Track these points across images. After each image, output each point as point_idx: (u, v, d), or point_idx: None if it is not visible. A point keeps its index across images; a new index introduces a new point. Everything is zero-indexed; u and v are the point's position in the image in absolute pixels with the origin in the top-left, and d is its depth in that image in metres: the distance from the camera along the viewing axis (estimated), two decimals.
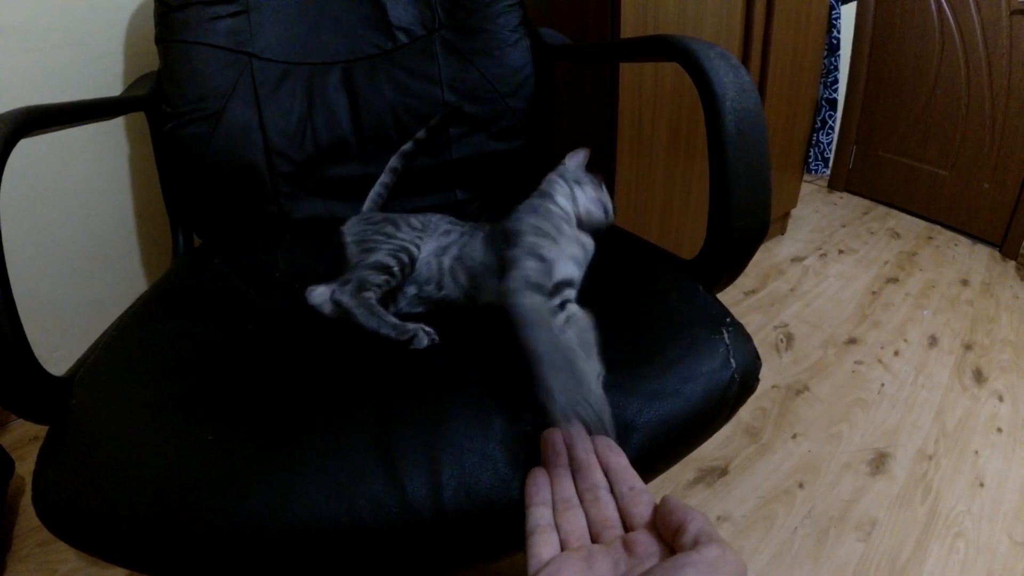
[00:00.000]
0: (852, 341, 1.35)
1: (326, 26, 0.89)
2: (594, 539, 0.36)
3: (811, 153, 1.83)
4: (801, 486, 0.96)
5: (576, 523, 0.37)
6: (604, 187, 0.71)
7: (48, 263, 1.05)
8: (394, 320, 0.55)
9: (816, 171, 1.90)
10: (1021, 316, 1.45)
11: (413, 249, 0.64)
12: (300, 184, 0.86)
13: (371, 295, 0.57)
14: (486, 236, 0.64)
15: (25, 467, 0.98)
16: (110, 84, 1.01)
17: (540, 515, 0.38)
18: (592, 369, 0.46)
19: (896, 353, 1.31)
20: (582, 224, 0.67)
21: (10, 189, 0.93)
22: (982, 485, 0.96)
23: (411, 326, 0.54)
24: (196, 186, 0.84)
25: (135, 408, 0.47)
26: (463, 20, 0.89)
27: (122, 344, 0.56)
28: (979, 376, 1.23)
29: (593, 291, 0.59)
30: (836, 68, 1.76)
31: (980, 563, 0.83)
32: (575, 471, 0.40)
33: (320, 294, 0.61)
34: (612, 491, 0.39)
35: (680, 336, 0.52)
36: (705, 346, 0.51)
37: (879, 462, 1.01)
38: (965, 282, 1.61)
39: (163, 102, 0.82)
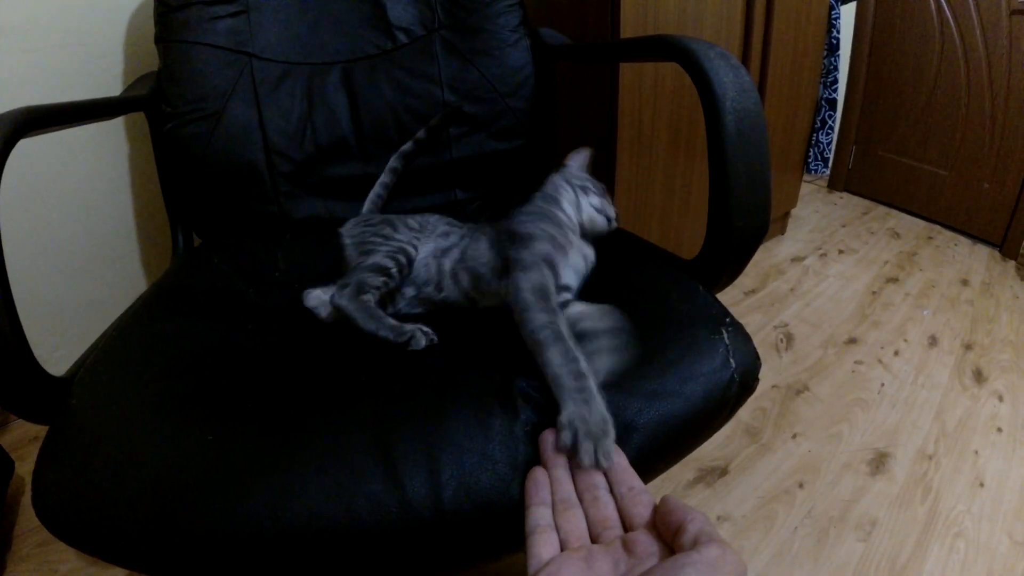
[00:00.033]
0: (852, 341, 1.35)
1: (326, 26, 0.89)
2: (594, 539, 0.36)
3: (811, 153, 1.83)
4: (801, 486, 0.96)
5: (576, 523, 0.37)
6: (608, 194, 0.71)
7: (48, 263, 1.05)
8: (392, 322, 0.55)
9: (816, 171, 1.90)
10: (1021, 316, 1.45)
11: (411, 250, 0.64)
12: (300, 184, 0.86)
13: (369, 298, 0.57)
14: (492, 238, 0.63)
15: (25, 467, 0.98)
16: (110, 84, 1.01)
17: (540, 515, 0.38)
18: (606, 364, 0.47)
19: (896, 353, 1.31)
20: (584, 231, 0.67)
21: (10, 189, 0.94)
22: (982, 485, 0.96)
23: (409, 327, 0.54)
24: (196, 186, 0.84)
25: (135, 408, 0.47)
26: (463, 20, 0.89)
27: (122, 344, 0.56)
28: (979, 376, 1.23)
29: (593, 291, 0.59)
30: (836, 68, 1.76)
31: (980, 563, 0.83)
32: (575, 472, 0.40)
33: (316, 297, 0.61)
34: (612, 491, 0.39)
35: (680, 336, 0.52)
36: (705, 346, 0.51)
37: (879, 462, 1.01)
38: (965, 282, 1.61)
39: (163, 102, 0.82)
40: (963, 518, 0.90)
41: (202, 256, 0.77)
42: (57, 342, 1.09)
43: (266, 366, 0.53)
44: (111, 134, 1.05)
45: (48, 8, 0.92)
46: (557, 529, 0.37)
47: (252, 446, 0.43)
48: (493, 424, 0.44)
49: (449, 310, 0.62)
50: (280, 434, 0.44)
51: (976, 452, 1.03)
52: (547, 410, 0.43)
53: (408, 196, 0.89)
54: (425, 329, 0.55)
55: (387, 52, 0.90)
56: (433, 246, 0.66)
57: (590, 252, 0.63)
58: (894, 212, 2.09)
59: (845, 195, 2.25)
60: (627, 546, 0.34)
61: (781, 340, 1.36)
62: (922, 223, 2.00)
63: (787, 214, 1.88)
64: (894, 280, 1.63)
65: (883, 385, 1.21)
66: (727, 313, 0.56)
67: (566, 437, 0.40)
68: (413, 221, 0.71)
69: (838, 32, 1.69)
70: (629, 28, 1.06)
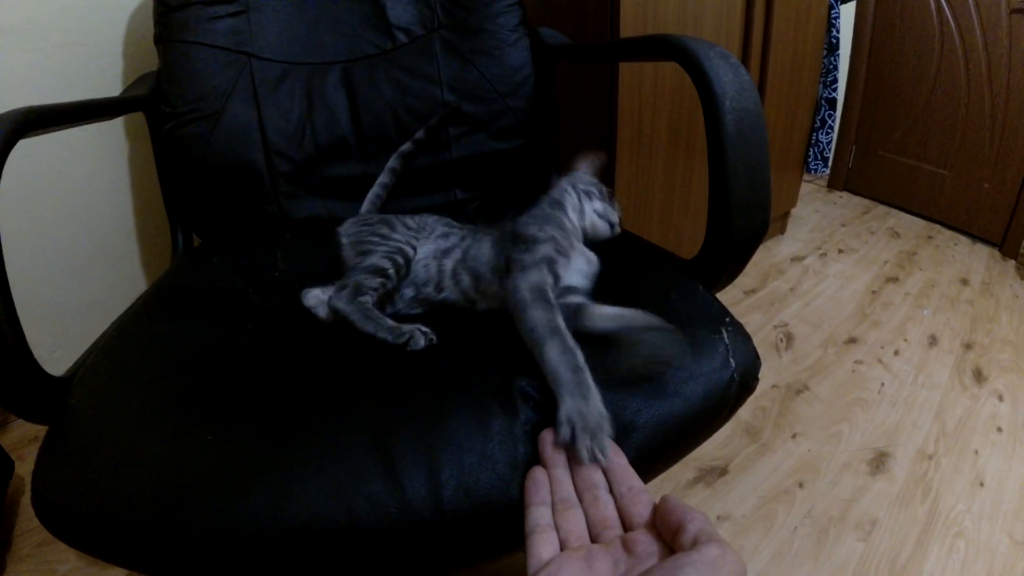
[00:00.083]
0: (852, 341, 1.35)
1: (325, 26, 0.89)
2: (593, 539, 0.36)
3: (811, 152, 1.83)
4: (801, 486, 0.96)
5: (576, 523, 0.37)
6: (613, 201, 0.70)
7: (47, 263, 1.05)
8: (390, 323, 0.55)
9: (816, 170, 1.90)
10: (1021, 315, 1.45)
11: (409, 250, 0.64)
12: (300, 184, 0.86)
13: (367, 299, 0.57)
14: (494, 239, 0.64)
15: (25, 467, 0.98)
16: (109, 84, 1.01)
17: (540, 515, 0.38)
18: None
19: (896, 353, 1.31)
20: (586, 237, 0.67)
21: (10, 189, 0.93)
22: (982, 485, 0.96)
23: (407, 328, 0.54)
24: (195, 186, 0.84)
25: (134, 408, 0.47)
26: (463, 20, 0.89)
27: (121, 344, 0.56)
28: (979, 376, 1.23)
29: (593, 290, 0.59)
30: (836, 67, 1.76)
31: (980, 563, 0.83)
32: (574, 471, 0.40)
33: (315, 296, 0.61)
34: (611, 491, 0.39)
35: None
36: (705, 346, 0.51)
37: (879, 462, 1.01)
38: (965, 281, 1.61)
39: (162, 102, 0.82)
40: (963, 518, 0.90)
41: (202, 256, 0.77)
42: (57, 342, 1.09)
43: (266, 366, 0.53)
44: (111, 134, 1.05)
45: (48, 8, 0.92)
46: (557, 529, 0.37)
47: (252, 446, 0.43)
48: (492, 424, 0.44)
49: (448, 310, 0.62)
50: (280, 434, 0.44)
51: (976, 452, 1.03)
52: (546, 409, 0.43)
53: (408, 196, 0.89)
54: (424, 329, 0.55)
55: (387, 52, 0.90)
56: (433, 247, 0.66)
57: (593, 257, 0.63)
58: (894, 212, 2.09)
59: (845, 194, 2.25)
60: (627, 546, 0.34)
61: (781, 340, 1.36)
62: (922, 222, 2.00)
63: (787, 214, 1.88)
64: (894, 280, 1.63)
65: (883, 385, 1.21)
66: (727, 313, 0.56)
67: (564, 432, 0.40)
68: (411, 221, 0.71)
69: (838, 31, 1.69)
70: (629, 28, 1.05)
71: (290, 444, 0.43)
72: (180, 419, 0.45)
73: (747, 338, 0.54)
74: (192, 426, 0.44)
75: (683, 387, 0.48)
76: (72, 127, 0.67)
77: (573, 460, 0.41)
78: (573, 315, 0.52)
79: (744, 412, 1.12)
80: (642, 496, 0.38)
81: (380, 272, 0.60)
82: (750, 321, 1.42)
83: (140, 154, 1.08)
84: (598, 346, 0.49)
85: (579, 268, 0.60)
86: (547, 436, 0.42)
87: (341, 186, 0.87)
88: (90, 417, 0.46)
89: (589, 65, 1.15)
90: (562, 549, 0.36)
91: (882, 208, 2.12)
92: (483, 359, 0.51)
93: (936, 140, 1.92)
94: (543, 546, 0.35)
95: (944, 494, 0.94)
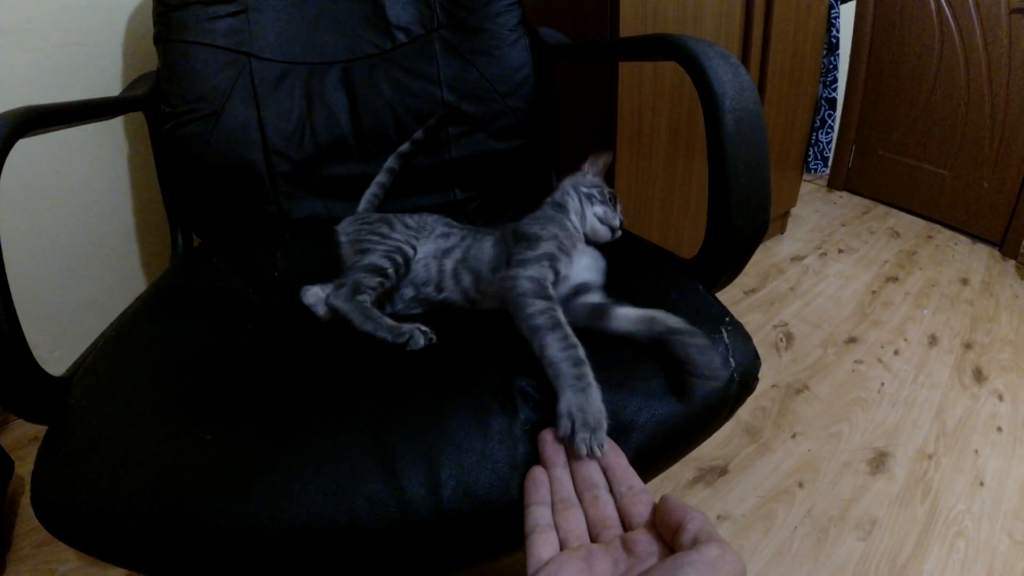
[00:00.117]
0: (852, 340, 1.35)
1: (325, 26, 0.89)
2: (593, 539, 0.36)
3: (811, 152, 1.83)
4: (801, 485, 0.96)
5: (575, 523, 0.37)
6: (617, 203, 0.70)
7: (47, 263, 1.05)
8: (390, 322, 0.55)
9: (816, 170, 1.90)
10: (1021, 315, 1.45)
11: (408, 250, 0.64)
12: (299, 183, 0.86)
13: (366, 298, 0.57)
14: (496, 239, 0.64)
15: (25, 467, 0.98)
16: (109, 84, 1.01)
17: (539, 514, 0.38)
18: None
19: (896, 352, 1.31)
20: (587, 239, 0.67)
21: (9, 189, 0.93)
22: (982, 484, 0.96)
23: (407, 327, 0.54)
24: (195, 186, 0.84)
25: (134, 408, 0.47)
26: (462, 20, 0.89)
27: (121, 344, 0.56)
28: (979, 375, 1.23)
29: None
30: (835, 67, 1.75)
31: (980, 562, 0.83)
32: (574, 471, 0.40)
33: (314, 294, 0.61)
34: (611, 490, 0.39)
35: None
36: None
37: (879, 461, 1.01)
38: (965, 281, 1.61)
39: (162, 102, 0.82)
40: (963, 517, 0.90)
41: (201, 256, 0.77)
42: (56, 342, 1.09)
43: (265, 366, 0.53)
44: (110, 134, 1.05)
45: (48, 8, 0.92)
46: (556, 528, 0.37)
47: (251, 446, 0.43)
48: (492, 423, 0.44)
49: (448, 310, 0.62)
50: (279, 434, 0.44)
51: (976, 451, 1.03)
52: (546, 409, 0.43)
53: (407, 195, 0.89)
54: (423, 329, 0.55)
55: (386, 52, 0.90)
56: (433, 247, 0.66)
57: (598, 253, 0.63)
58: (894, 211, 2.09)
59: (845, 194, 2.25)
60: (627, 545, 0.34)
61: (781, 339, 1.36)
62: (922, 222, 2.00)
63: (787, 213, 1.88)
64: (894, 279, 1.63)
65: (883, 384, 1.21)
66: (727, 312, 0.56)
67: (564, 426, 0.40)
68: (411, 220, 0.71)
69: (838, 31, 1.69)
70: (628, 27, 1.05)
71: (290, 444, 0.43)
72: (180, 419, 0.45)
73: (747, 338, 0.54)
74: (192, 426, 0.44)
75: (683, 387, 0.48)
76: (71, 127, 0.67)
77: (571, 455, 0.41)
78: (593, 314, 0.52)
79: (744, 412, 1.12)
80: (642, 496, 0.38)
81: (379, 271, 0.60)
82: (750, 321, 1.42)
83: (139, 154, 1.08)
84: (614, 348, 0.49)
85: (588, 264, 0.60)
86: (547, 436, 0.42)
87: (341, 186, 0.87)
88: (90, 417, 0.46)
89: (589, 65, 1.15)
90: (562, 549, 0.36)
91: (882, 208, 2.12)
92: (483, 359, 0.51)
93: (936, 140, 1.92)
94: (543, 546, 0.35)
95: (944, 494, 0.94)
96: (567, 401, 0.41)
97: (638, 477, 0.39)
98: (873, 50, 2.02)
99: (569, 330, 0.46)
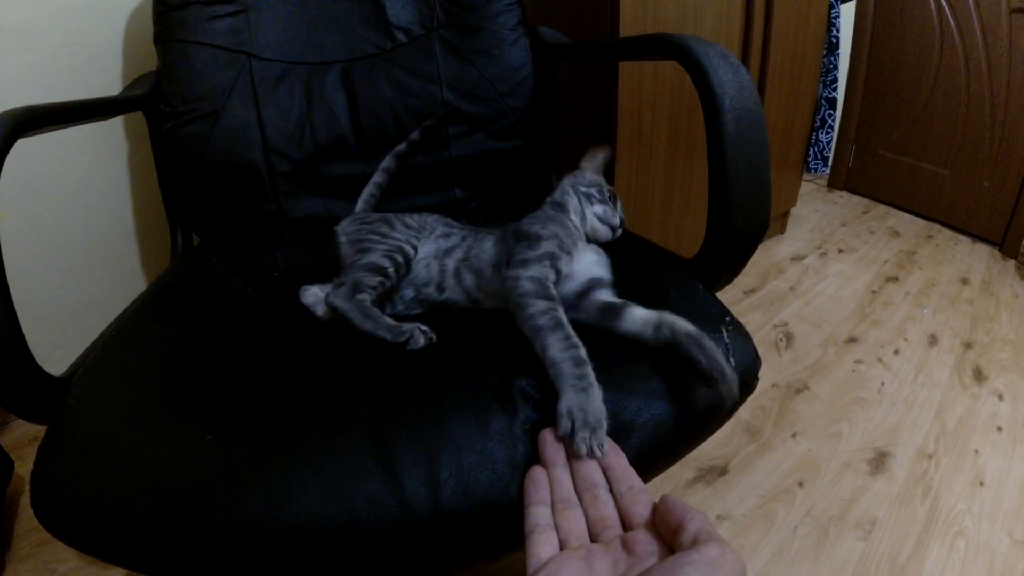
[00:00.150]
0: (852, 340, 1.35)
1: (325, 25, 0.89)
2: (593, 539, 0.36)
3: (811, 152, 1.83)
4: (801, 485, 0.96)
5: (575, 522, 0.37)
6: (617, 201, 0.70)
7: (47, 263, 1.05)
8: (390, 322, 0.55)
9: (816, 170, 1.90)
10: (1021, 315, 1.45)
11: (408, 249, 0.64)
12: (299, 183, 0.86)
13: (366, 297, 0.57)
14: (497, 238, 0.64)
15: (25, 467, 0.98)
16: (109, 84, 1.01)
17: (539, 514, 0.38)
18: None
19: (896, 352, 1.31)
20: (588, 240, 0.67)
21: (8, 189, 0.93)
22: (982, 484, 0.96)
23: (407, 327, 0.54)
24: (195, 185, 0.84)
25: (133, 408, 0.47)
26: (462, 19, 0.89)
27: (120, 344, 0.56)
28: (979, 375, 1.23)
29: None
30: (835, 67, 1.75)
31: (980, 562, 0.83)
32: (574, 470, 0.40)
33: (313, 294, 0.61)
34: (611, 490, 0.39)
35: None
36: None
37: (879, 461, 1.01)
38: (965, 281, 1.61)
39: (162, 101, 0.82)
40: (963, 517, 0.90)
41: (201, 256, 0.77)
42: (56, 342, 1.09)
43: (265, 366, 0.53)
44: (110, 134, 1.05)
45: (48, 8, 0.92)
46: (556, 528, 0.37)
47: (251, 446, 0.43)
48: (492, 423, 0.44)
49: (448, 309, 0.62)
50: (279, 434, 0.44)
51: (976, 451, 1.03)
52: (546, 409, 0.43)
53: (407, 195, 0.89)
54: (423, 328, 0.55)
55: (386, 51, 0.90)
56: (434, 247, 0.66)
57: (600, 250, 0.63)
58: (894, 211, 2.09)
59: (845, 194, 2.24)
60: (626, 545, 0.34)
61: (781, 339, 1.36)
62: (922, 222, 2.00)
63: (787, 213, 1.87)
64: (894, 279, 1.63)
65: (883, 384, 1.21)
66: (727, 312, 0.56)
67: (564, 425, 0.41)
68: (411, 220, 0.70)
69: (838, 31, 1.69)
70: (628, 27, 1.05)
71: (289, 444, 0.43)
72: (179, 419, 0.45)
73: (747, 337, 0.54)
74: (191, 426, 0.44)
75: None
76: (70, 127, 0.67)
77: (571, 454, 0.41)
78: (605, 313, 0.52)
79: (744, 411, 1.12)
80: (642, 496, 0.37)
81: (379, 270, 0.60)
82: (750, 320, 1.42)
83: (139, 154, 1.08)
84: (614, 347, 0.49)
85: (594, 260, 0.60)
86: (547, 435, 0.42)
87: (340, 185, 0.87)
88: (89, 417, 0.46)
89: (589, 65, 1.15)
90: (562, 549, 0.36)
91: (882, 207, 2.12)
92: (483, 359, 0.51)
93: (936, 139, 1.92)
94: (543, 546, 0.35)
95: (944, 493, 0.94)
96: (568, 401, 0.41)
97: (638, 477, 0.39)
98: (873, 50, 2.02)
99: (571, 330, 0.46)
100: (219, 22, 0.82)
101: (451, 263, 0.63)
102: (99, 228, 1.09)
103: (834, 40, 1.70)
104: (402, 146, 0.85)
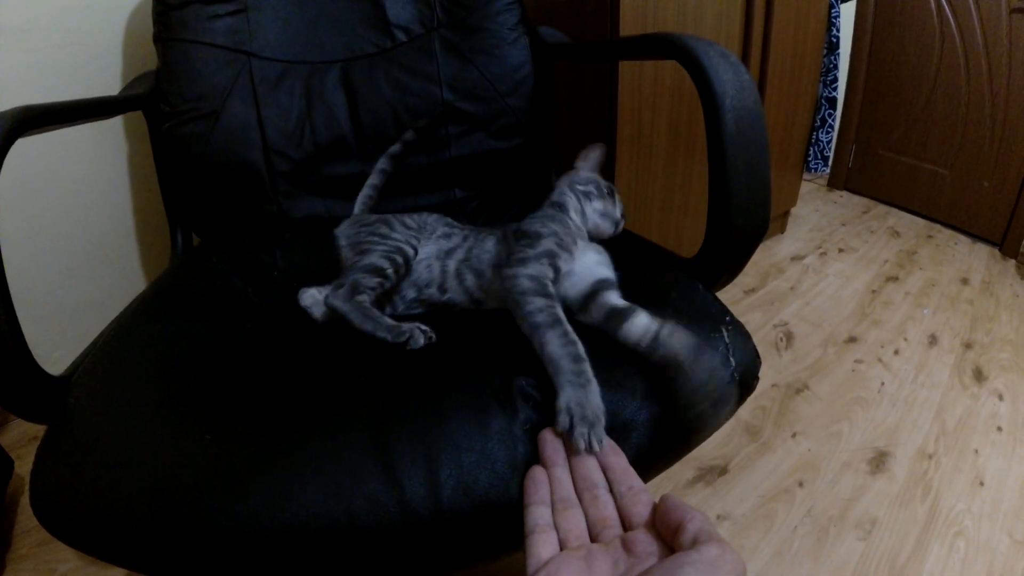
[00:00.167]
0: (852, 340, 1.35)
1: (325, 25, 0.89)
2: (593, 539, 0.36)
3: (811, 151, 1.83)
4: (801, 485, 0.96)
5: (575, 522, 0.37)
6: (615, 195, 0.70)
7: (46, 262, 1.05)
8: (389, 322, 0.55)
9: (816, 170, 1.90)
10: (1021, 315, 1.45)
11: (408, 250, 0.64)
12: (299, 183, 0.86)
13: (365, 298, 0.57)
14: (498, 238, 0.64)
15: (25, 467, 0.98)
16: (109, 83, 1.01)
17: (539, 514, 0.38)
18: None
19: (896, 352, 1.31)
20: (591, 237, 0.67)
21: (8, 189, 0.93)
22: (982, 484, 0.96)
23: (407, 326, 0.54)
24: (194, 185, 0.84)
25: (133, 408, 0.47)
26: (462, 19, 0.89)
27: (120, 344, 0.55)
28: (979, 375, 1.23)
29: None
30: (836, 66, 1.75)
31: (980, 562, 0.83)
32: (574, 470, 0.40)
33: (311, 296, 0.61)
34: (611, 490, 0.39)
35: None
36: (705, 344, 0.51)
37: (879, 461, 1.01)
38: (965, 281, 1.61)
39: (161, 101, 0.82)
40: (963, 517, 0.90)
41: (201, 255, 0.77)
42: (55, 341, 1.09)
43: (265, 366, 0.53)
44: (110, 133, 1.05)
45: (48, 8, 0.92)
46: (556, 528, 0.37)
47: (251, 446, 0.43)
48: (492, 423, 0.44)
49: (447, 309, 0.62)
50: (279, 434, 0.44)
51: (976, 451, 1.03)
52: (546, 409, 0.43)
53: (407, 194, 0.89)
54: (423, 328, 0.55)
55: (386, 51, 0.90)
56: (435, 247, 0.66)
57: (601, 248, 0.63)
58: (894, 211, 2.08)
59: (845, 194, 2.24)
60: (626, 545, 0.34)
61: (781, 339, 1.36)
62: (922, 222, 2.00)
63: (787, 213, 1.87)
64: (894, 279, 1.62)
65: (883, 384, 1.21)
66: (727, 312, 0.56)
67: (563, 420, 0.41)
68: (410, 220, 0.70)
69: (838, 30, 1.69)
70: (628, 26, 1.05)
71: (289, 444, 0.43)
72: (179, 419, 0.45)
73: (747, 337, 0.54)
74: (191, 426, 0.44)
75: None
76: (70, 126, 0.67)
77: (570, 450, 0.41)
78: (610, 318, 0.50)
79: (744, 411, 1.12)
80: (642, 495, 0.37)
81: (378, 272, 0.60)
82: (750, 320, 1.42)
83: (139, 153, 1.08)
84: (614, 347, 0.48)
85: (596, 260, 0.60)
86: (547, 435, 0.42)
87: (340, 185, 0.87)
88: (89, 416, 0.46)
89: (589, 64, 1.15)
90: (562, 549, 0.36)
91: (882, 207, 2.12)
92: (483, 358, 0.51)
93: (936, 139, 1.92)
94: (542, 546, 0.35)
95: (944, 493, 0.94)
96: (566, 396, 0.42)
97: (638, 477, 0.39)
98: (873, 49, 2.02)
99: (568, 327, 0.46)
100: (219, 21, 0.82)
101: (452, 264, 0.63)
102: (99, 228, 1.09)
103: (834, 40, 1.70)
104: (396, 147, 0.85)
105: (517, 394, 0.46)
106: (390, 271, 0.60)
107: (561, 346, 0.44)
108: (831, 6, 1.60)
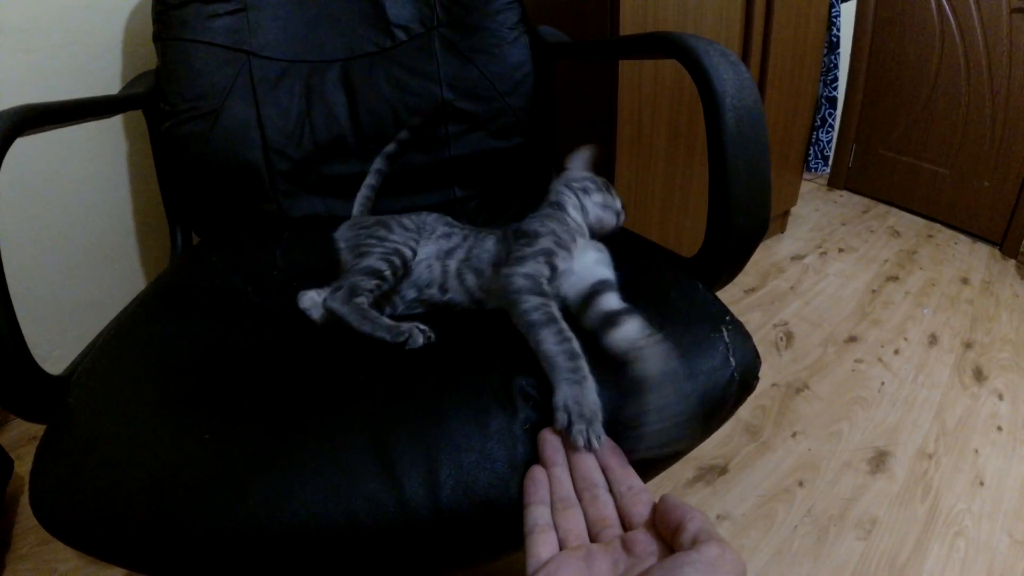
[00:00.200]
0: (852, 339, 1.35)
1: (325, 24, 0.89)
2: (593, 538, 0.36)
3: (811, 151, 1.83)
4: (801, 484, 0.96)
5: (575, 522, 0.37)
6: (611, 188, 0.70)
7: (46, 262, 1.05)
8: (388, 322, 0.55)
9: (816, 169, 1.90)
10: (1021, 314, 1.45)
11: (406, 251, 0.64)
12: (298, 182, 0.86)
13: (363, 300, 0.57)
14: (498, 237, 0.64)
15: (24, 466, 0.97)
16: (108, 83, 1.00)
17: (539, 514, 0.38)
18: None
19: (896, 351, 1.31)
20: (593, 232, 0.67)
21: (8, 188, 0.93)
22: (982, 484, 0.96)
23: (405, 326, 0.54)
24: (194, 184, 0.84)
25: (132, 407, 0.47)
26: (462, 18, 0.89)
27: (120, 343, 0.55)
28: (979, 375, 1.23)
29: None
30: (836, 66, 1.75)
31: (980, 562, 0.83)
32: (574, 470, 0.40)
33: (310, 298, 0.61)
34: (611, 490, 0.39)
35: (680, 334, 0.52)
36: (705, 344, 0.51)
37: (879, 461, 1.01)
38: (965, 280, 1.61)
39: (161, 100, 0.82)
40: (963, 517, 0.90)
41: (200, 255, 0.77)
42: (55, 341, 1.09)
43: (264, 366, 0.53)
44: (109, 133, 1.05)
45: (48, 8, 0.92)
46: (556, 528, 0.37)
47: (250, 446, 0.43)
48: (491, 423, 0.44)
49: (448, 309, 0.62)
50: (278, 434, 0.44)
51: (976, 451, 1.03)
52: (546, 408, 0.43)
53: (407, 194, 0.89)
54: (422, 327, 0.55)
55: (386, 50, 0.90)
56: (435, 248, 0.66)
57: (601, 246, 0.63)
58: (894, 210, 2.08)
59: (845, 193, 2.24)
60: (626, 545, 0.34)
61: (781, 338, 1.36)
62: (922, 221, 1.99)
63: (787, 212, 1.87)
64: (894, 278, 1.62)
65: (883, 384, 1.21)
66: (727, 311, 0.56)
67: (561, 418, 0.41)
68: (409, 221, 0.70)
69: (838, 30, 1.69)
70: (628, 26, 1.05)
71: (288, 444, 0.43)
72: (178, 418, 0.45)
73: (747, 337, 0.54)
74: (191, 425, 0.44)
75: (683, 386, 0.48)
76: (70, 125, 0.66)
77: (569, 448, 0.41)
78: (602, 323, 0.49)
79: (744, 411, 1.12)
80: (642, 495, 0.37)
81: (376, 274, 0.59)
82: (750, 320, 1.42)
83: (139, 152, 1.08)
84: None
85: (596, 259, 0.59)
86: (546, 435, 0.42)
87: (340, 184, 0.87)
88: (88, 416, 0.46)
89: (589, 63, 1.15)
90: (561, 548, 0.36)
91: (882, 207, 2.11)
92: (482, 358, 0.51)
93: (936, 139, 1.91)
94: (542, 545, 0.35)
95: (944, 493, 0.94)
96: (563, 394, 0.42)
97: (638, 477, 0.39)
98: (874, 49, 2.01)
99: (564, 325, 0.46)
100: (218, 20, 0.82)
101: (453, 264, 0.63)
102: (98, 227, 1.09)
103: (834, 39, 1.70)
104: (391, 146, 0.85)
105: (517, 394, 0.46)
106: (388, 273, 0.60)
107: (556, 343, 0.44)
108: (831, 5, 1.59)
